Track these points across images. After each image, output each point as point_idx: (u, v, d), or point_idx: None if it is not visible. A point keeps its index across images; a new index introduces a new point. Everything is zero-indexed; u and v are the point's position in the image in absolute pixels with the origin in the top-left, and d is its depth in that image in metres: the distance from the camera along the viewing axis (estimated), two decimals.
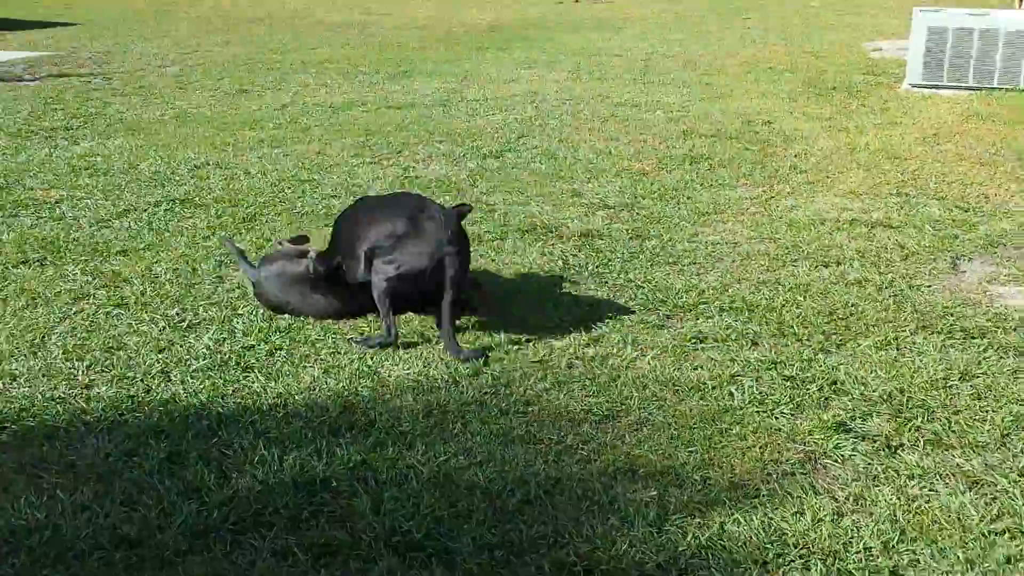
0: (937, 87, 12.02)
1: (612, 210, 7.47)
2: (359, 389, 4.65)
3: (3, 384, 4.74)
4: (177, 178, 8.81)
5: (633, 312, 5.51)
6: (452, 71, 14.69)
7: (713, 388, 4.59)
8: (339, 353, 5.06)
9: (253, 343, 5.20)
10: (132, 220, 7.54)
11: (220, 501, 3.69)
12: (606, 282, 6.01)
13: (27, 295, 5.90)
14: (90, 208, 7.87)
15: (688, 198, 7.69)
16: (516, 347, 5.06)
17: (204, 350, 5.12)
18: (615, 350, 5.01)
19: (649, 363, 4.85)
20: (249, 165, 9.25)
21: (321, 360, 5.00)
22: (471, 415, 4.37)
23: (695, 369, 4.79)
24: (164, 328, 5.44)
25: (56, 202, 8.07)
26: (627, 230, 6.98)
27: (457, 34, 19.71)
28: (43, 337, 5.29)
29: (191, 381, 4.76)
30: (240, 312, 5.60)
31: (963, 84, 11.92)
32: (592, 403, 4.47)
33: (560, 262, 6.40)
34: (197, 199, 8.09)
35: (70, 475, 3.90)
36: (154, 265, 6.50)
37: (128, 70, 15.15)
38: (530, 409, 4.43)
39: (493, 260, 6.46)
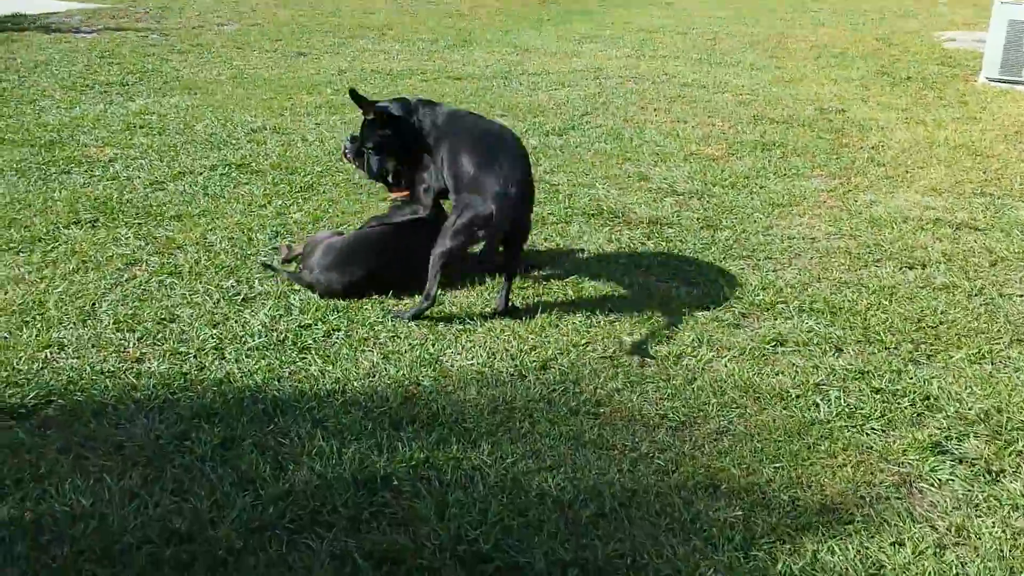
0: (1016, 82, 11.49)
1: (681, 197, 7.15)
2: (420, 378, 4.42)
3: (51, 353, 4.56)
4: (233, 141, 8.61)
5: (707, 308, 5.22)
6: (512, 42, 14.37)
7: (797, 397, 4.31)
8: (399, 337, 4.83)
9: (310, 322, 4.98)
10: (187, 183, 7.34)
11: (276, 495, 3.48)
12: (676, 274, 5.72)
13: (78, 258, 5.72)
14: (144, 168, 7.69)
15: (761, 187, 7.35)
16: (584, 342, 4.79)
17: (259, 327, 4.91)
18: (689, 349, 4.74)
19: (726, 366, 4.57)
20: (306, 131, 9.02)
21: (380, 344, 4.77)
22: (539, 414, 4.12)
23: (776, 375, 4.51)
24: (219, 301, 5.24)
25: (110, 160, 7.90)
26: (698, 219, 6.67)
27: (514, 6, 19.31)
28: (93, 304, 5.11)
29: (246, 360, 4.55)
30: (296, 288, 5.37)
31: None
32: (667, 407, 4.21)
33: (628, 250, 6.11)
34: (253, 164, 7.88)
35: (118, 458, 3.71)
36: (208, 232, 6.30)
37: (186, 27, 14.98)
38: (601, 410, 4.18)
39: (558, 244, 6.19)
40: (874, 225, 6.56)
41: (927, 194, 7.28)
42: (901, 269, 5.83)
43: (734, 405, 4.24)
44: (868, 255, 6.03)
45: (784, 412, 4.19)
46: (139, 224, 6.40)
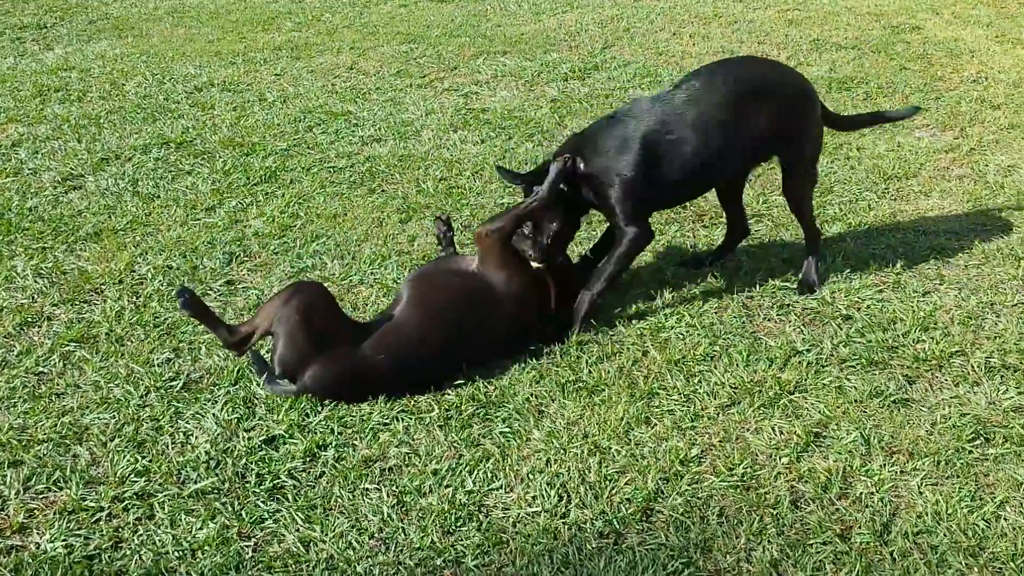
0: None
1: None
2: (458, 547, 2.81)
3: None
4: (172, 107, 6.82)
5: (850, 367, 3.60)
6: None
7: None
8: (417, 455, 3.20)
9: (282, 431, 3.34)
10: (112, 176, 5.61)
11: None
12: (783, 302, 4.08)
13: None
14: (57, 155, 5.94)
15: (859, 149, 5.67)
16: (697, 452, 3.18)
17: (207, 448, 3.29)
18: (844, 457, 3.13)
19: (930, 497, 2.96)
20: (264, 87, 7.22)
21: (391, 471, 3.15)
22: None
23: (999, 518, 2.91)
24: (147, 393, 3.59)
25: (12, 145, 6.12)
26: None
27: None
28: None
29: (185, 523, 2.94)
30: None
31: None
32: None
33: (707, 258, 4.45)
34: (198, 142, 6.13)
35: None
36: (138, 259, 4.63)
37: None
38: None
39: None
40: None
41: None
42: None
43: None
44: None
45: None
46: (43, 249, 4.71)
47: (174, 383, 3.67)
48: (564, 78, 7.17)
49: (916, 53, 7.52)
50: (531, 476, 3.10)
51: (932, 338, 3.75)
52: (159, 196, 5.35)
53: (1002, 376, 3.51)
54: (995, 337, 3.75)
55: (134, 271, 4.54)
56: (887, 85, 6.78)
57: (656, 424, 3.33)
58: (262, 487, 3.10)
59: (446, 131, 6.17)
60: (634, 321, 3.97)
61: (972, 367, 3.56)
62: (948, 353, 3.65)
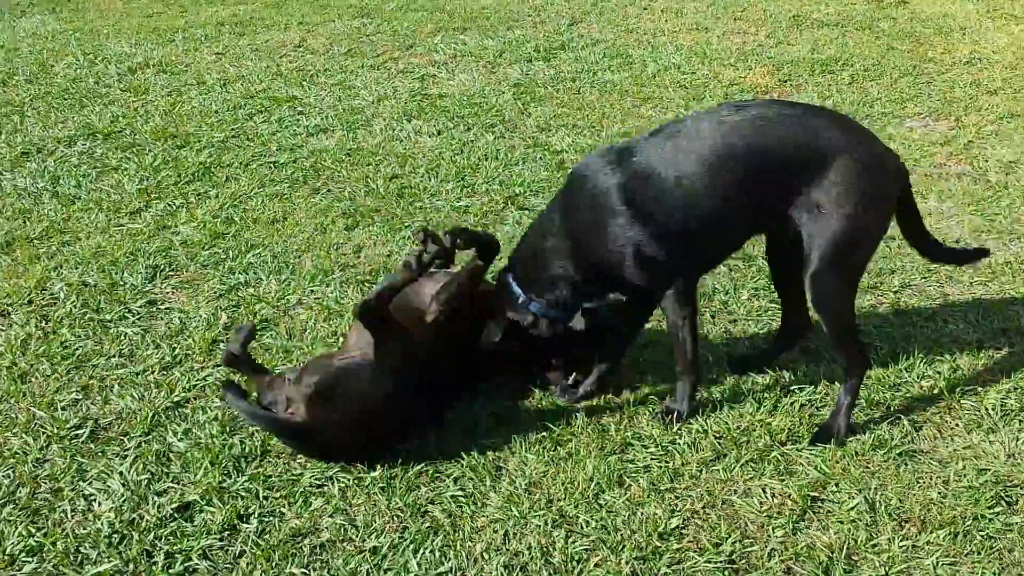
0: None
1: None
2: None
3: None
4: (103, 91, 6.26)
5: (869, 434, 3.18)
6: None
7: None
8: (354, 532, 2.75)
9: (198, 496, 2.89)
10: (31, 174, 5.09)
11: None
12: (769, 327, 3.64)
13: None
14: None
15: None
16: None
17: (110, 519, 2.85)
18: (847, 528, 2.72)
19: None
20: (204, 68, 6.66)
21: (322, 557, 2.70)
22: None
23: None
24: (47, 445, 3.11)
25: None
26: None
27: None
28: None
29: None
30: (200, 407, 3.26)
31: None
32: None
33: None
34: (128, 132, 5.59)
35: None
36: (52, 273, 4.12)
37: None
38: None
39: None
40: None
41: None
42: None
43: None
44: None
45: None
46: None
47: (79, 432, 3.20)
48: (528, 59, 6.67)
49: (903, 31, 7.07)
50: (486, 556, 2.66)
51: (939, 373, 3.33)
52: (80, 197, 4.83)
53: (1021, 421, 3.10)
54: (1010, 372, 3.34)
55: (45, 289, 4.03)
56: (873, 67, 6.34)
57: (630, 485, 2.89)
58: (171, 571, 2.64)
59: (399, 120, 5.67)
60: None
61: (986, 409, 3.15)
62: (958, 392, 3.23)
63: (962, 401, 3.20)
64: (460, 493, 2.88)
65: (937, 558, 2.60)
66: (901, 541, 2.66)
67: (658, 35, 7.10)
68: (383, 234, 4.38)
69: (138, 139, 5.49)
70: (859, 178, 2.70)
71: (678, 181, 2.79)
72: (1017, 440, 3.02)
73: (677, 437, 3.08)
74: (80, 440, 3.16)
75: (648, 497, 2.84)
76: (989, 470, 2.90)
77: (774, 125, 2.74)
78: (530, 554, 2.66)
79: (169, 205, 4.74)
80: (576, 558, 2.64)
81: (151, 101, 6.07)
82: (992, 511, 2.75)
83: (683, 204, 2.80)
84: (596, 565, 2.62)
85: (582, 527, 2.74)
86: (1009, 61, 6.36)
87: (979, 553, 2.62)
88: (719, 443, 3.05)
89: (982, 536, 2.67)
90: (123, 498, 2.90)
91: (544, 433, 3.11)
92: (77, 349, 3.63)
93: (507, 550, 2.68)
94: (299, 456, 3.05)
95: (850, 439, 3.04)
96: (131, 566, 2.66)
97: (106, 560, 2.68)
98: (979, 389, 3.25)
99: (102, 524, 2.81)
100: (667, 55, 6.62)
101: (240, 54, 6.96)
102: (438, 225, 4.41)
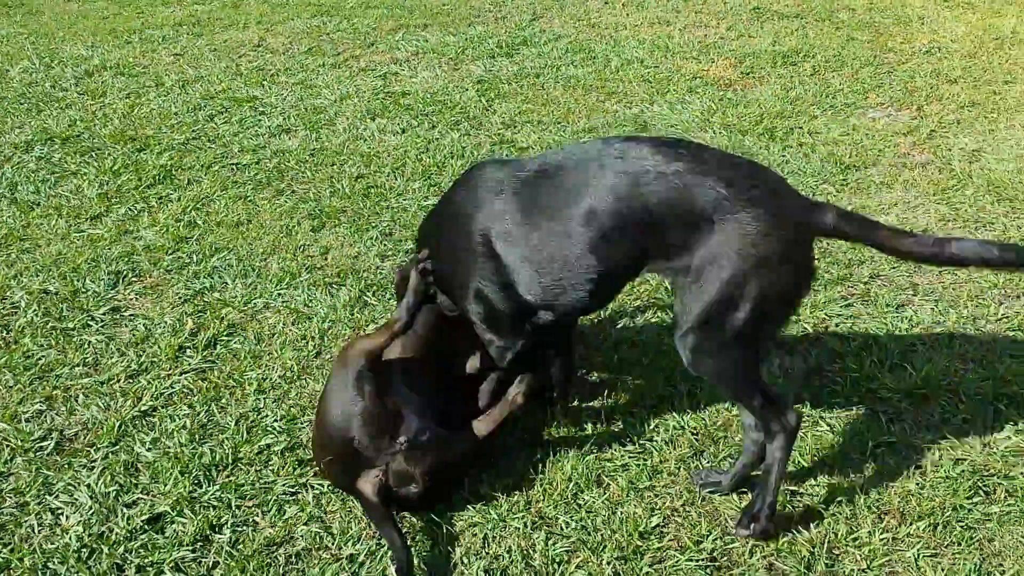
0: None
1: None
2: None
3: None
4: (60, 95, 6.14)
5: (823, 402, 3.18)
6: None
7: None
8: (330, 540, 2.71)
9: (169, 506, 2.84)
10: None
11: None
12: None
13: None
14: None
15: (811, 133, 5.24)
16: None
17: (78, 532, 2.80)
18: (828, 522, 2.72)
19: (930, 575, 2.56)
20: (162, 69, 6.56)
21: (297, 567, 2.65)
22: None
23: None
24: (11, 458, 3.06)
25: None
26: None
27: None
28: None
29: None
30: (168, 416, 3.19)
31: None
32: None
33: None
34: (86, 136, 5.49)
35: None
36: (12, 282, 4.07)
37: None
38: None
39: None
40: (1000, 197, 4.52)
41: None
42: None
43: None
44: None
45: None
46: None
47: (44, 443, 3.12)
48: (491, 55, 6.63)
49: (862, 21, 7.11)
50: (466, 560, 2.62)
51: (912, 363, 3.33)
52: (39, 204, 4.73)
53: (995, 410, 3.11)
54: (981, 360, 3.36)
55: (5, 298, 3.94)
56: (834, 58, 6.37)
57: (609, 484, 2.87)
58: None
59: (363, 119, 5.61)
60: (579, 352, 3.49)
61: (960, 400, 3.16)
62: (932, 382, 3.23)
63: (936, 391, 3.20)
64: None
65: (918, 550, 2.60)
66: (881, 534, 2.65)
67: (620, 29, 7.09)
68: (350, 235, 4.32)
69: (97, 143, 5.39)
70: (740, 241, 2.42)
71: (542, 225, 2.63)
72: (992, 429, 3.03)
73: (655, 434, 3.06)
74: (45, 452, 3.09)
75: (627, 496, 2.82)
76: (965, 460, 2.91)
77: (650, 183, 2.48)
78: (510, 557, 2.63)
79: (130, 209, 4.65)
80: (557, 560, 2.61)
81: (109, 104, 5.96)
82: (970, 501, 2.75)
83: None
84: (577, 567, 2.59)
85: (562, 528, 2.71)
86: (968, 50, 6.42)
87: (959, 544, 2.62)
88: (696, 439, 3.04)
89: (961, 526, 2.67)
90: (91, 511, 2.83)
91: (521, 434, 3.08)
92: (40, 359, 3.54)
93: (487, 554, 2.64)
94: (271, 463, 3.00)
95: (826, 431, 3.03)
96: None
97: (76, 575, 2.61)
98: (952, 379, 3.26)
99: (70, 538, 2.74)
100: (630, 49, 6.61)
101: (198, 55, 6.86)
102: (405, 225, 4.36)
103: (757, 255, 2.40)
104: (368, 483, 2.64)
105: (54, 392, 3.37)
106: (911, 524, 2.68)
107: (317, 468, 2.89)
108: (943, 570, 2.53)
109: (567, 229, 2.58)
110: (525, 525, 2.72)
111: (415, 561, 2.54)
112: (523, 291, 2.69)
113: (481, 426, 2.83)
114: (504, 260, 2.69)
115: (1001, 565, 2.55)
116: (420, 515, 2.77)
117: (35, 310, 3.84)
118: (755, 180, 2.48)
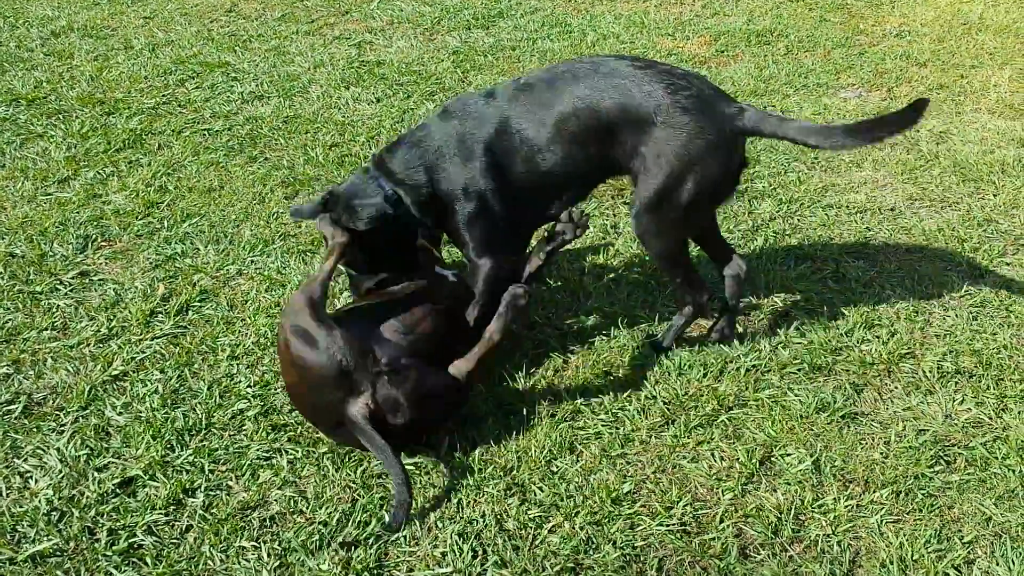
0: None
1: None
2: None
3: None
4: (26, 56, 6.05)
5: (792, 374, 3.23)
6: None
7: None
8: (305, 504, 2.73)
9: (141, 470, 2.84)
10: None
11: None
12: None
13: None
14: None
15: (784, 111, 5.28)
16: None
17: (48, 495, 2.81)
18: (794, 489, 2.77)
19: (892, 540, 2.62)
20: (131, 32, 6.48)
21: (272, 530, 2.67)
22: None
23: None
24: None
25: None
26: None
27: None
28: None
29: None
30: (139, 380, 3.18)
31: None
32: None
33: (622, 243, 4.03)
34: (53, 98, 5.42)
35: None
36: None
37: None
38: None
39: None
40: (965, 177, 4.58)
41: (1001, 115, 5.31)
42: None
43: None
44: (986, 241, 4.07)
45: None
46: None
47: (12, 407, 3.11)
48: (467, 26, 6.60)
49: (835, 3, 7.16)
50: (440, 524, 2.65)
51: (878, 337, 3.40)
52: (4, 166, 4.68)
53: (956, 383, 3.18)
54: (945, 335, 3.42)
55: None
56: (807, 38, 6.41)
57: (582, 452, 2.90)
58: (115, 547, 2.58)
59: (337, 87, 5.58)
60: (553, 320, 3.52)
61: (924, 372, 3.23)
62: (897, 356, 3.30)
63: (900, 364, 3.27)
64: (410, 464, 2.86)
65: (881, 516, 2.66)
66: (846, 501, 2.71)
67: (596, 4, 7.08)
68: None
69: (64, 105, 5.32)
70: (677, 140, 2.94)
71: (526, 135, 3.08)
72: (953, 401, 3.10)
73: (627, 403, 3.09)
74: (13, 416, 3.07)
75: (600, 463, 2.86)
76: (928, 431, 2.97)
77: (610, 88, 3.00)
78: (484, 521, 2.65)
79: (99, 173, 4.60)
80: (531, 524, 2.64)
81: (76, 66, 5.88)
82: (932, 470, 2.82)
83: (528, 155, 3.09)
84: (550, 531, 2.62)
85: (536, 494, 2.74)
86: (937, 34, 6.48)
87: (921, 511, 2.68)
88: (667, 409, 3.07)
89: (923, 494, 2.73)
90: (61, 475, 2.82)
91: (495, 401, 3.10)
92: (7, 322, 3.52)
93: (461, 518, 2.67)
94: (244, 428, 3.00)
95: (794, 401, 3.08)
96: (72, 544, 2.59)
97: (45, 538, 2.61)
98: (916, 353, 3.32)
99: (40, 502, 2.73)
100: (606, 24, 6.61)
101: (169, 18, 6.78)
102: None
103: (691, 152, 2.93)
104: (358, 410, 2.66)
105: (21, 356, 3.35)
106: (875, 492, 2.74)
107: (304, 417, 2.89)
108: (905, 536, 2.59)
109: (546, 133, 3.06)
110: (499, 491, 2.75)
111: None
112: (513, 194, 3.10)
113: (462, 364, 2.87)
114: (501, 164, 3.10)
115: (960, 531, 2.62)
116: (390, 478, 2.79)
117: (1, 273, 3.80)
118: (690, 88, 2.97)
